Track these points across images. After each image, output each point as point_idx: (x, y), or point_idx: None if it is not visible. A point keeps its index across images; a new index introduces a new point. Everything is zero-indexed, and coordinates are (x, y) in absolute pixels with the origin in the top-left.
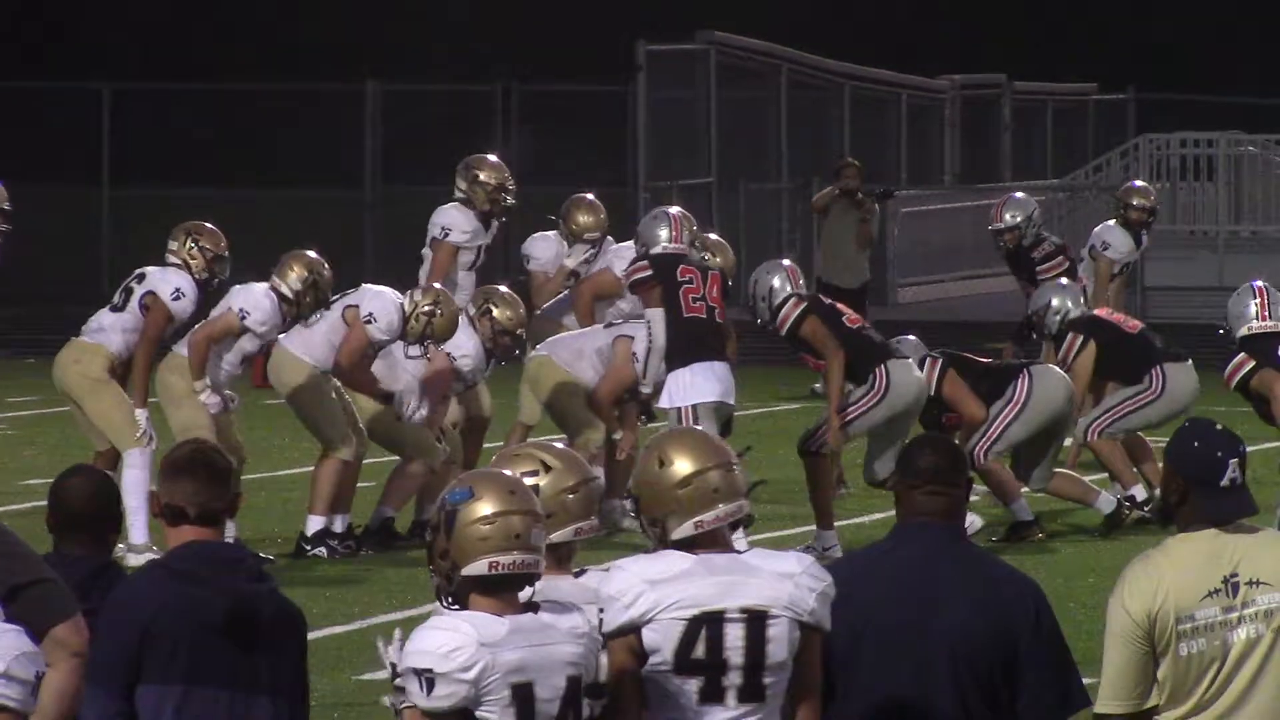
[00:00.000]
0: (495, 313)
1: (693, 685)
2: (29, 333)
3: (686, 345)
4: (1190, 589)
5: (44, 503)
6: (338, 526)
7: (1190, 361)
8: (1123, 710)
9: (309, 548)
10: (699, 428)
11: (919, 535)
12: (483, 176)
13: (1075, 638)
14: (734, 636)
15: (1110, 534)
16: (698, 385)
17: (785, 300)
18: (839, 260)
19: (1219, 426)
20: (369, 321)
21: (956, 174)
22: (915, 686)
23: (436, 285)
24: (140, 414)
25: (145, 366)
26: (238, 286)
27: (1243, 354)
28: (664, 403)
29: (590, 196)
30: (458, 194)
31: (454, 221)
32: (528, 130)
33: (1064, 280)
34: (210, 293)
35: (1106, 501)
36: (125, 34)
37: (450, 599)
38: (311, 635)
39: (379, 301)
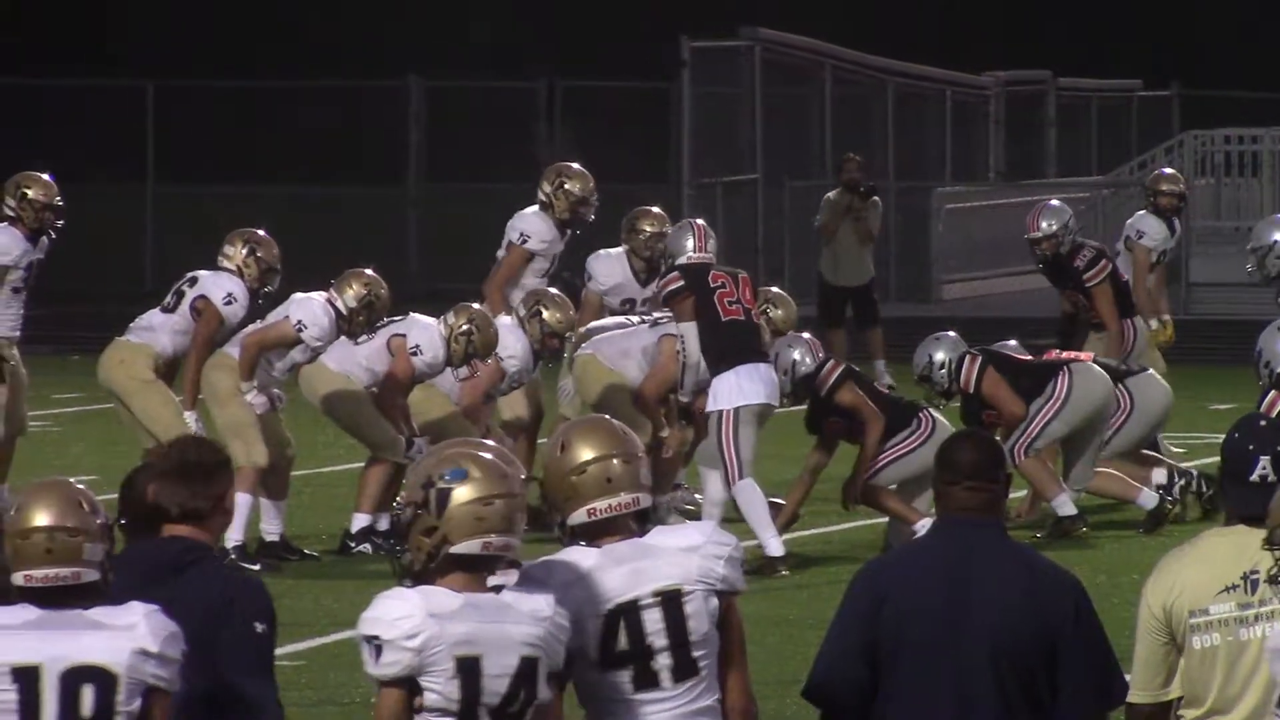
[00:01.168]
0: (545, 315)
1: (625, 677)
2: (73, 330)
3: (729, 348)
4: (1206, 584)
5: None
6: (382, 524)
7: (1151, 370)
8: (1146, 700)
9: (353, 545)
10: (605, 417)
11: (959, 531)
12: (568, 185)
13: (1118, 634)
14: (653, 621)
15: (1154, 530)
16: (743, 388)
17: (818, 369)
18: (842, 260)
19: (1264, 422)
20: (415, 353)
21: (1001, 171)
22: (956, 683)
23: (469, 304)
24: (190, 416)
25: (197, 369)
26: (298, 296)
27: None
28: (710, 406)
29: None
30: (541, 197)
31: (534, 229)
32: (571, 127)
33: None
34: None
35: (1149, 498)
36: (168, 31)
37: (412, 581)
38: (353, 632)
39: (426, 335)
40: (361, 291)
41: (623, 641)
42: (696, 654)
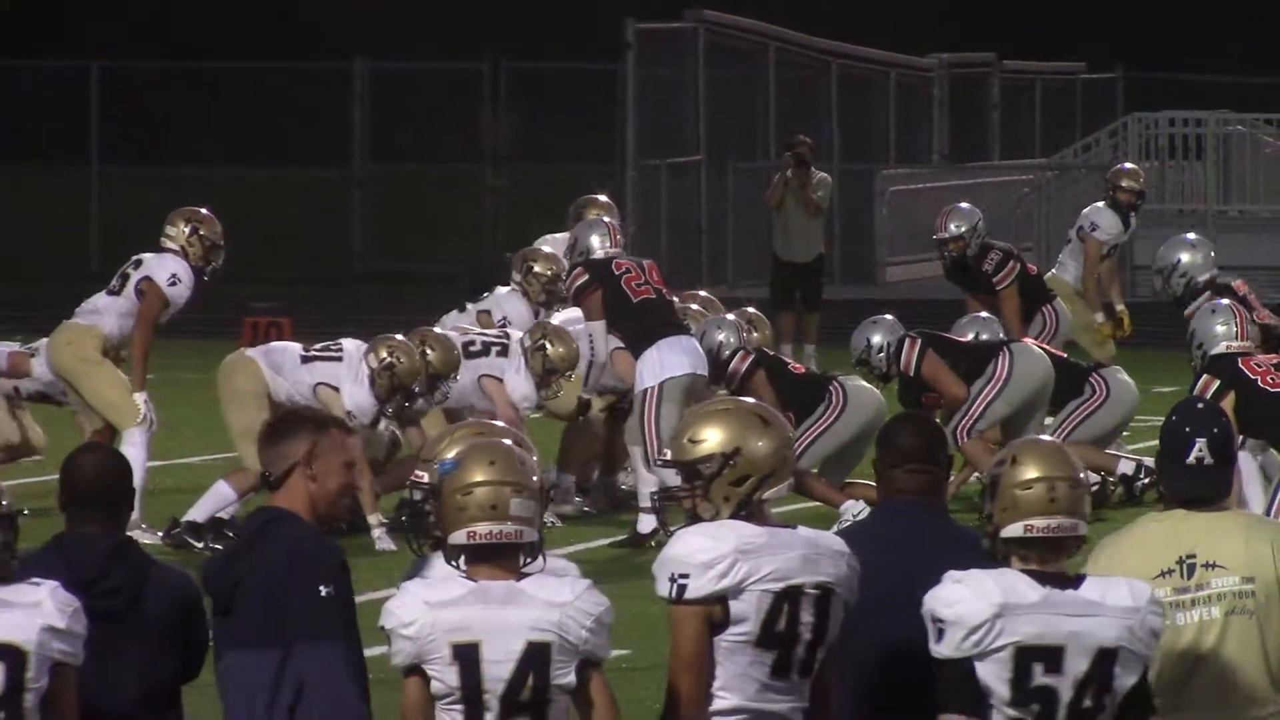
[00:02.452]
0: (549, 350)
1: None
2: (17, 311)
3: (646, 326)
4: (1143, 568)
5: (38, 480)
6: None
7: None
8: None
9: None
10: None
11: (901, 513)
12: (537, 269)
13: None
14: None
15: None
16: (665, 361)
17: (734, 353)
18: (790, 233)
19: (1201, 405)
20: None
21: (945, 153)
22: (903, 660)
23: (391, 336)
24: (139, 397)
25: (144, 351)
26: (348, 389)
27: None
28: (638, 385)
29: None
30: (513, 285)
31: (514, 315)
32: (516, 109)
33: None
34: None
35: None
36: (113, 12)
37: (454, 562)
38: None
39: (357, 394)
40: (384, 356)
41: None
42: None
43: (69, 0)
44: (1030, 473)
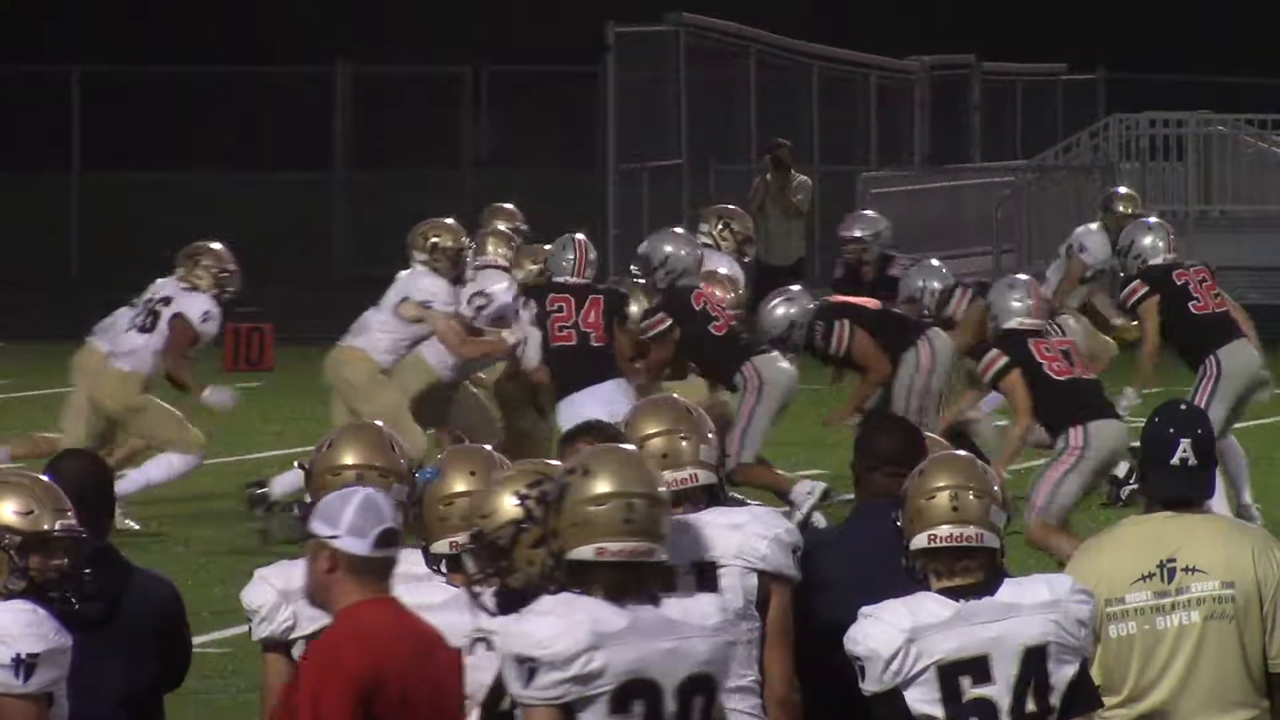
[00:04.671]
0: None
1: None
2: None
3: (558, 376)
4: (1123, 572)
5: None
6: None
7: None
8: None
9: None
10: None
11: (878, 517)
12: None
13: None
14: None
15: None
16: (565, 416)
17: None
18: (771, 237)
19: (1183, 406)
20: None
21: (926, 154)
22: None
23: (417, 226)
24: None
25: (187, 377)
26: (422, 285)
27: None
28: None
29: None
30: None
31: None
32: (498, 112)
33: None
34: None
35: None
36: (93, 17)
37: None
38: None
39: (426, 284)
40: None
41: None
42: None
43: (49, 6)
44: (936, 482)
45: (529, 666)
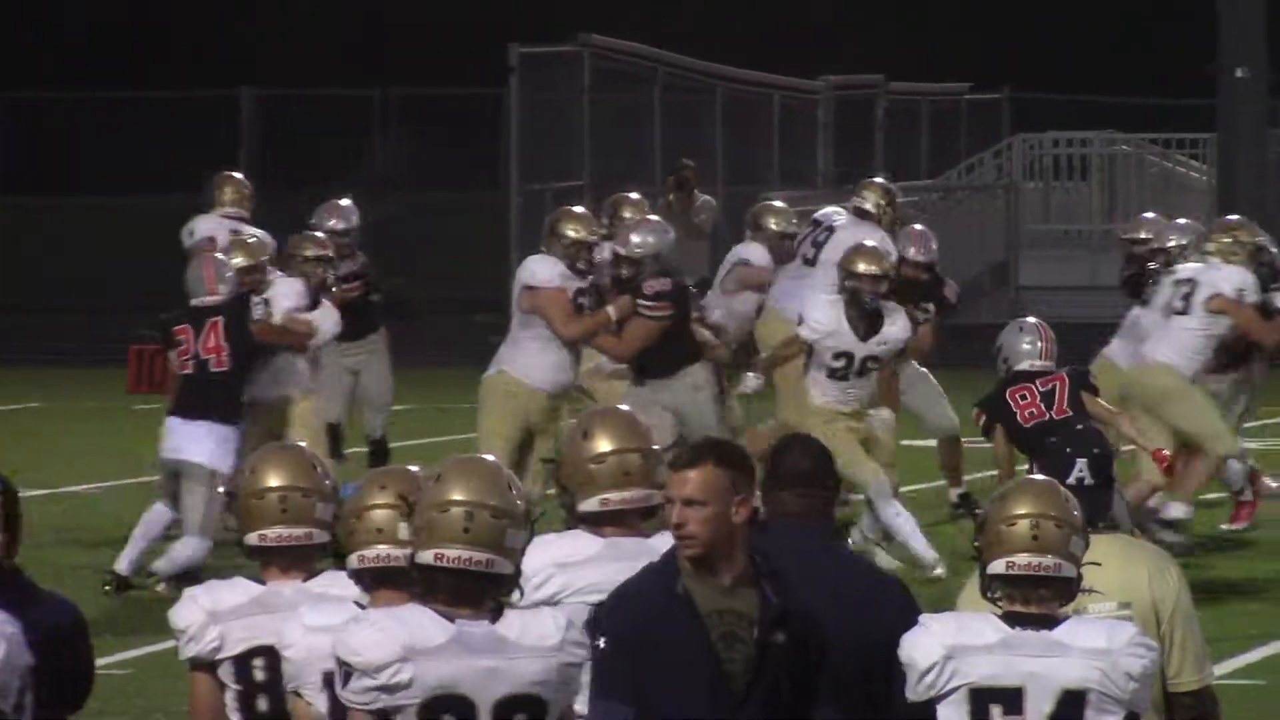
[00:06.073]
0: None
1: None
2: None
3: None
4: None
5: None
6: None
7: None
8: None
9: None
10: (630, 410)
11: (787, 537)
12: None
13: None
14: None
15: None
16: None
17: None
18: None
19: (1081, 426)
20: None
21: (830, 174)
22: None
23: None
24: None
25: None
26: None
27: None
28: None
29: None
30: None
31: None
32: (404, 134)
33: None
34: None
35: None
36: (4, 41)
37: None
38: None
39: (545, 272)
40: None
41: None
42: None
43: None
44: (1018, 509)
45: (345, 670)
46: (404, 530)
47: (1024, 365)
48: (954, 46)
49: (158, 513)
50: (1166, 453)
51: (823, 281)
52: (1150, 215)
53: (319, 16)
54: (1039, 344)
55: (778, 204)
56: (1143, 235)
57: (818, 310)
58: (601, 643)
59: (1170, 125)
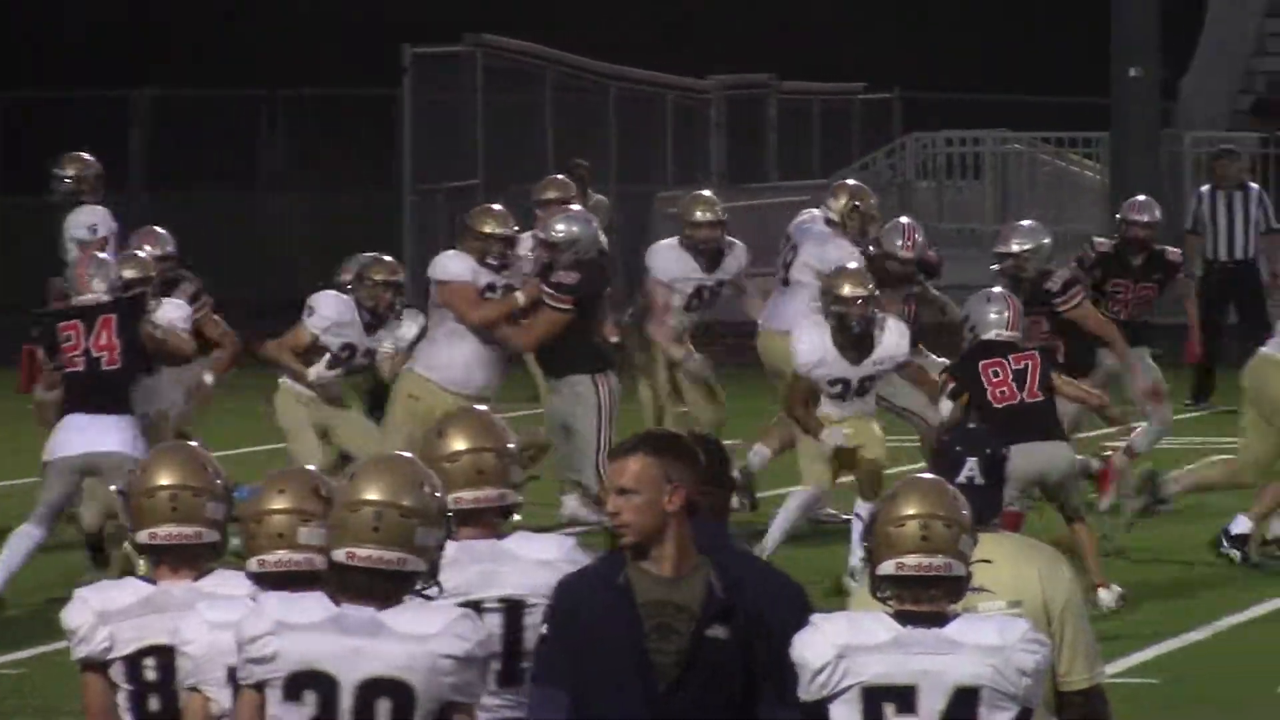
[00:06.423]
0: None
1: None
2: None
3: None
4: None
5: None
6: None
7: None
8: None
9: None
10: (485, 410)
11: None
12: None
13: None
14: (491, 625)
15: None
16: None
17: None
18: None
19: (972, 425)
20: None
21: (722, 173)
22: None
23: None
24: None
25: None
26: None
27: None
28: None
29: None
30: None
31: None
32: (295, 135)
33: None
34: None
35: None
36: None
37: None
38: None
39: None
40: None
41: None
42: (525, 665)
43: None
44: (906, 509)
45: (238, 646)
46: (304, 534)
47: (991, 335)
48: (846, 46)
49: (23, 536)
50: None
51: (802, 302)
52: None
53: (211, 17)
54: (1006, 314)
55: (703, 194)
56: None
57: (804, 340)
58: (544, 630)
59: (1064, 124)
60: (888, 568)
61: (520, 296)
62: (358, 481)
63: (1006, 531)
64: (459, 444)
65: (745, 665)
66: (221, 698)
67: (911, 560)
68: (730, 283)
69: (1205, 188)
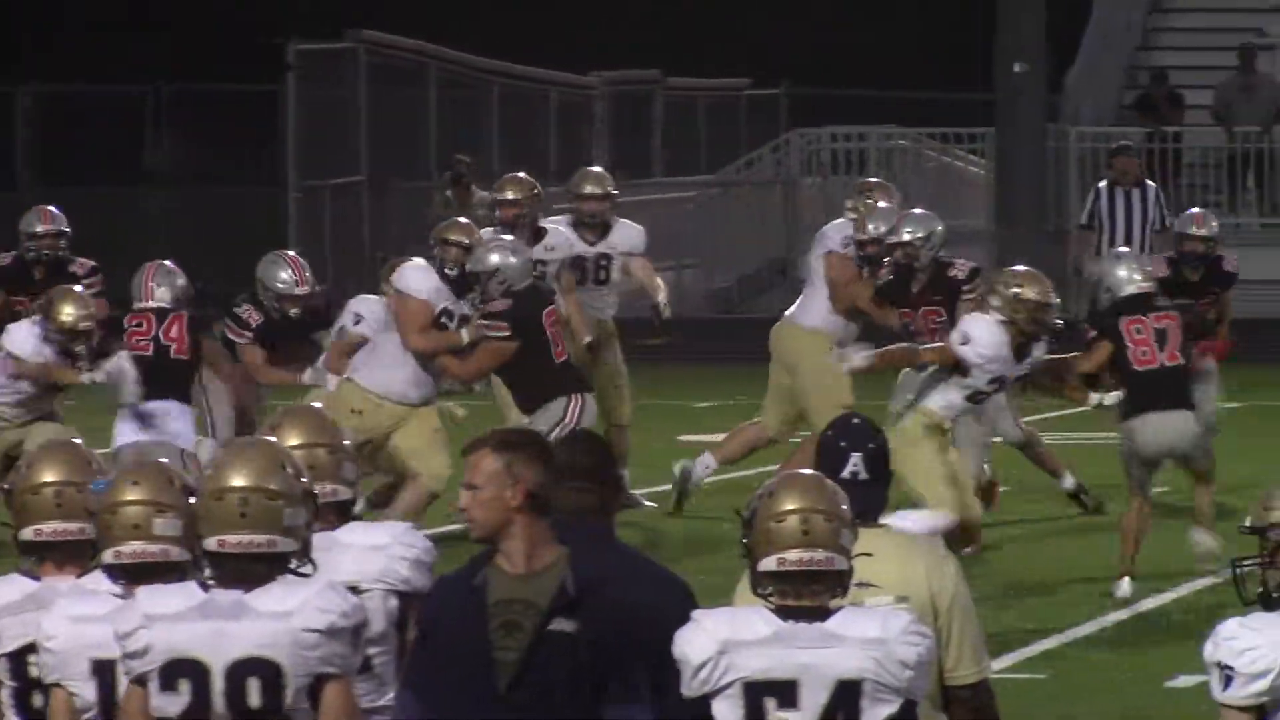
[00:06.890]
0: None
1: None
2: None
3: None
4: None
5: None
6: None
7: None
8: None
9: None
10: (317, 408)
11: (563, 531)
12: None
13: None
14: None
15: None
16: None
17: None
18: None
19: (856, 420)
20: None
21: (608, 170)
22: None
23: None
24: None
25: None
26: None
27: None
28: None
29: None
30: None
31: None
32: (180, 130)
33: None
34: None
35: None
36: None
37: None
38: None
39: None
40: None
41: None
42: (372, 651)
43: None
44: (785, 505)
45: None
46: (160, 526)
47: (1130, 290)
48: (732, 42)
49: None
50: None
51: (819, 297)
52: (884, 205)
53: (96, 13)
54: (1136, 267)
55: (594, 169)
56: (873, 232)
57: (988, 334)
58: (413, 632)
59: (949, 120)
60: (769, 564)
61: (465, 333)
62: (220, 470)
63: (888, 526)
64: (292, 439)
65: (594, 663)
66: (85, 692)
67: (793, 555)
68: (622, 263)
69: (1103, 184)
